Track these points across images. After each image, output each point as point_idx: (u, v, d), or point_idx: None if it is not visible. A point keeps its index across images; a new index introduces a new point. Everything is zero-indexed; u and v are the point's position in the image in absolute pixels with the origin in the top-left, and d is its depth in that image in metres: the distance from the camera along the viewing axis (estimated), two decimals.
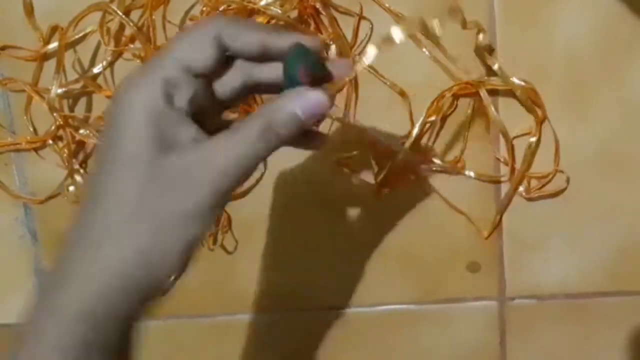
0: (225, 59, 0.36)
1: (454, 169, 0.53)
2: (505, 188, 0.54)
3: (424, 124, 0.52)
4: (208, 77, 0.36)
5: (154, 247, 0.33)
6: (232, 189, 0.34)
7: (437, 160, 0.53)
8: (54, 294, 0.34)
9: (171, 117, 0.34)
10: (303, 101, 0.34)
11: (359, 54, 0.52)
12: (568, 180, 0.53)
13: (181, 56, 0.34)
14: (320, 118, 0.35)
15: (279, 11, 0.49)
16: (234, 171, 0.34)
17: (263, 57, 0.36)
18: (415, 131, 0.52)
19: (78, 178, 0.55)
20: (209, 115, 0.37)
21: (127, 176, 0.33)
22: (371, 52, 0.36)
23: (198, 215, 0.34)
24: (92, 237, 0.34)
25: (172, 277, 0.34)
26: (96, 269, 0.33)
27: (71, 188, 0.56)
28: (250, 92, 0.38)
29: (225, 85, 0.37)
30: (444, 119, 0.53)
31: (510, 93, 0.52)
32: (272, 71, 0.36)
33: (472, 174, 0.53)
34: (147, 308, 0.35)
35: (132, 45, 0.53)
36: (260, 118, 0.34)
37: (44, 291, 0.34)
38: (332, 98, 0.35)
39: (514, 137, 0.52)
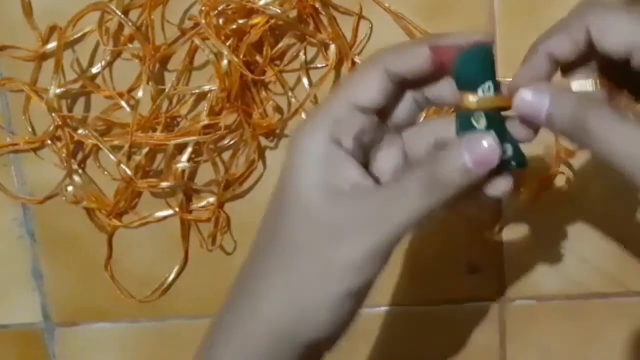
0: (397, 90, 0.34)
1: None
2: None
3: None
4: (380, 110, 0.34)
5: (308, 300, 0.33)
6: (391, 244, 0.33)
7: None
8: (216, 348, 0.35)
9: (337, 160, 0.33)
10: (474, 148, 0.32)
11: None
12: (568, 181, 0.53)
13: (349, 93, 0.33)
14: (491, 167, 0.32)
15: (278, 11, 0.49)
16: (392, 232, 0.33)
17: (434, 76, 0.34)
18: None
19: (76, 178, 0.55)
20: (386, 146, 0.36)
21: (292, 222, 0.33)
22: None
23: (349, 271, 0.33)
24: (253, 287, 0.34)
25: (333, 332, 0.34)
26: (255, 325, 0.34)
27: (69, 188, 0.55)
28: (421, 110, 0.37)
29: (398, 113, 0.36)
30: None
31: None
32: (443, 88, 0.35)
33: None
34: None
35: (130, 45, 0.53)
36: (424, 170, 0.32)
37: (208, 340, 0.35)
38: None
39: None
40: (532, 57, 0.33)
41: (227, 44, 0.50)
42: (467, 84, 0.33)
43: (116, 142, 0.54)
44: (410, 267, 0.56)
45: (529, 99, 0.32)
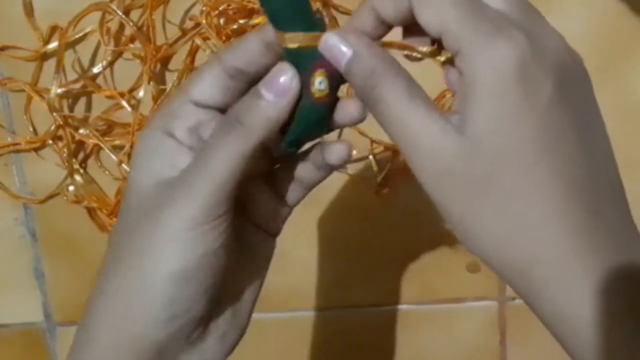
0: (240, 85, 0.34)
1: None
2: None
3: None
4: (221, 106, 0.34)
5: (138, 288, 0.32)
6: (213, 206, 0.31)
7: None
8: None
9: (166, 150, 0.33)
10: (269, 79, 0.32)
11: None
12: None
13: (186, 90, 0.33)
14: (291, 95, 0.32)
15: None
16: (210, 189, 0.31)
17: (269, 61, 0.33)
18: None
19: (78, 178, 0.55)
20: None
21: (127, 216, 0.33)
22: None
23: (174, 241, 0.31)
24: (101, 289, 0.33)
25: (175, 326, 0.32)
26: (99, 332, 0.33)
27: (71, 188, 0.56)
28: None
29: None
30: None
31: None
32: None
33: None
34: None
35: (132, 45, 0.53)
36: (225, 120, 0.32)
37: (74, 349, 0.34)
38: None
39: None
40: (359, 10, 0.32)
41: (228, 44, 0.50)
42: (279, 21, 0.32)
43: (117, 142, 0.54)
44: (411, 266, 0.56)
45: (332, 42, 0.31)
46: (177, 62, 0.53)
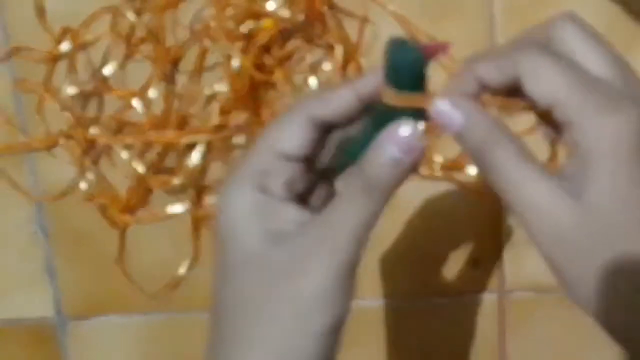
0: (321, 135, 0.34)
1: (456, 166, 0.54)
2: None
3: None
4: (306, 158, 0.34)
5: (286, 346, 0.31)
6: (351, 259, 0.32)
7: (438, 159, 0.54)
8: None
9: (270, 207, 0.32)
10: (398, 139, 0.31)
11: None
12: None
13: (273, 142, 0.33)
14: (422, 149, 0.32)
15: (287, 14, 0.50)
16: (348, 247, 0.31)
17: (357, 115, 0.34)
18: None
19: (90, 176, 0.56)
20: (319, 188, 0.35)
21: (242, 277, 0.32)
22: None
23: (321, 301, 0.31)
24: (230, 354, 0.32)
25: None
26: None
27: (82, 186, 0.56)
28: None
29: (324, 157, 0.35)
30: None
31: None
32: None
33: (473, 171, 0.54)
34: None
35: (142, 47, 0.54)
36: (358, 177, 0.32)
37: None
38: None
39: None
40: (461, 73, 0.33)
41: (237, 46, 0.51)
42: (398, 80, 0.32)
43: (128, 141, 0.55)
44: (410, 260, 0.57)
45: (444, 109, 0.31)
46: (187, 63, 0.54)
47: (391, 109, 0.32)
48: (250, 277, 0.32)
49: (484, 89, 0.33)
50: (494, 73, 0.32)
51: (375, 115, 0.33)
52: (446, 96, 0.32)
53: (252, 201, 0.32)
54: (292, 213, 0.33)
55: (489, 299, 0.57)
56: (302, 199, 0.35)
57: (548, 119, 0.32)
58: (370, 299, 0.58)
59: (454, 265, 0.57)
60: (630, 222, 0.30)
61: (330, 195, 0.36)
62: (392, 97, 0.32)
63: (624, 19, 0.51)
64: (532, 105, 0.32)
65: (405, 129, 0.31)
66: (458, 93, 0.32)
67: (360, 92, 0.33)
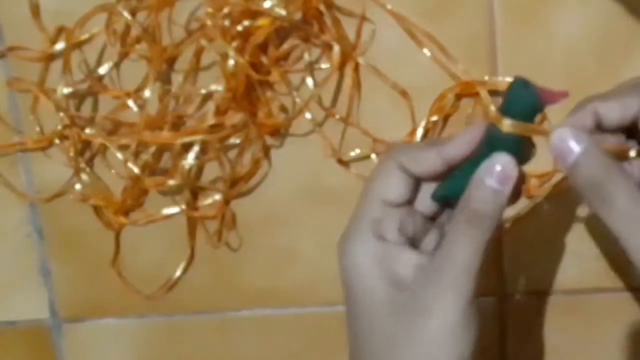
0: (417, 181, 0.37)
1: None
2: None
3: (428, 123, 0.53)
4: (408, 202, 0.37)
5: None
6: (471, 290, 0.34)
7: None
8: None
9: (389, 253, 0.35)
10: (495, 172, 0.34)
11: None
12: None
13: (377, 192, 0.37)
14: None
15: (284, 13, 0.49)
16: (467, 280, 0.34)
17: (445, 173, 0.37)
18: (420, 131, 0.52)
19: (84, 177, 0.56)
20: (429, 233, 0.38)
21: (373, 325, 0.35)
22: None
23: (450, 339, 0.34)
24: None
25: None
26: None
27: (77, 186, 0.56)
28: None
29: (426, 198, 0.38)
30: (446, 119, 0.53)
31: None
32: None
33: None
34: None
35: (138, 46, 0.53)
36: (462, 213, 0.35)
37: None
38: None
39: None
40: (578, 111, 0.35)
41: (233, 45, 0.51)
42: (510, 112, 0.35)
43: (123, 141, 0.54)
44: None
45: (566, 137, 0.33)
46: (183, 62, 0.54)
47: (492, 144, 0.35)
48: (381, 323, 0.35)
49: (598, 129, 0.35)
50: (616, 111, 0.34)
51: (490, 136, 0.36)
52: (567, 128, 0.34)
53: (373, 250, 0.36)
54: (409, 257, 0.36)
55: (489, 303, 0.56)
56: (414, 244, 0.37)
57: None
58: None
59: None
60: None
61: (441, 238, 0.37)
62: (512, 126, 0.34)
63: (624, 19, 0.51)
64: None
65: (501, 161, 0.34)
66: (577, 127, 0.34)
67: (446, 157, 0.36)
